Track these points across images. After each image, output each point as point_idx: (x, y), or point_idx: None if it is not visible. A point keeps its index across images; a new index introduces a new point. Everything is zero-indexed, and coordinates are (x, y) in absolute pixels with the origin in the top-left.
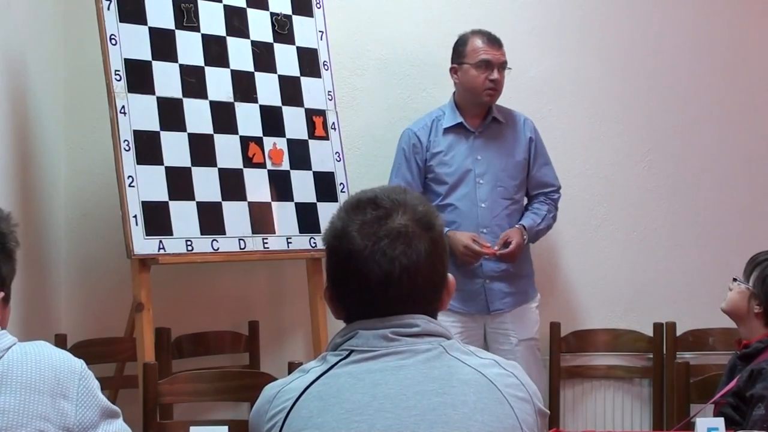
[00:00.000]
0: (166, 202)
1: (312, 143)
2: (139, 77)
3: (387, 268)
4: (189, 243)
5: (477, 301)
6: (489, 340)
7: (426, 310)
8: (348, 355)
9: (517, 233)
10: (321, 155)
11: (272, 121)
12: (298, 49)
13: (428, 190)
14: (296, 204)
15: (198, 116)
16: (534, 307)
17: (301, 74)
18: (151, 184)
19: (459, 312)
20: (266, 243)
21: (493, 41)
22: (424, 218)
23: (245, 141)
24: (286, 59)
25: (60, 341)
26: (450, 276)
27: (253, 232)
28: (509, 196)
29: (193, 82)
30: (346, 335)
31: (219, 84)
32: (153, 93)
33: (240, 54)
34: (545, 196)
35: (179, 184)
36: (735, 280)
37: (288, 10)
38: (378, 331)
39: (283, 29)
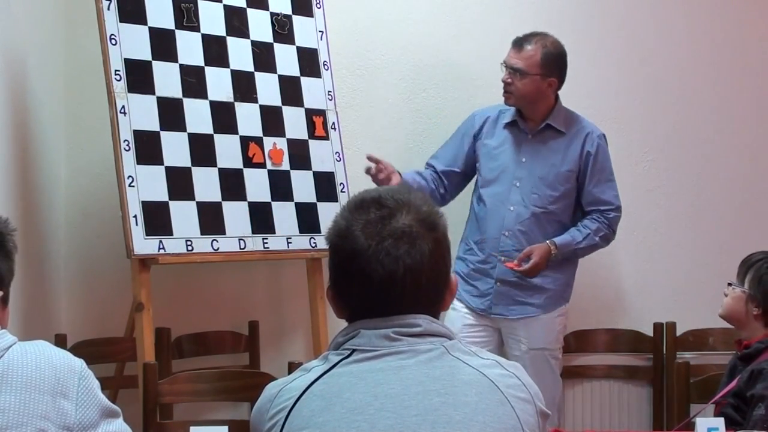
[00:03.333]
0: (166, 202)
1: (312, 143)
2: (139, 77)
3: (391, 267)
4: (189, 243)
5: (483, 300)
6: (504, 343)
7: (428, 310)
8: (350, 355)
9: (541, 250)
10: (321, 155)
11: (272, 121)
12: (298, 49)
13: (472, 174)
14: (296, 204)
15: (198, 116)
16: (553, 316)
17: (301, 74)
18: (151, 184)
19: (469, 307)
20: (266, 243)
21: (514, 43)
22: (427, 218)
23: (245, 141)
24: (286, 59)
25: (60, 341)
26: (453, 276)
27: (253, 232)
28: (543, 205)
29: (193, 82)
30: (348, 334)
31: (219, 84)
32: (153, 93)
33: (240, 54)
34: (600, 213)
35: (179, 184)
36: (730, 285)
37: (288, 10)
38: (380, 331)
39: (283, 29)
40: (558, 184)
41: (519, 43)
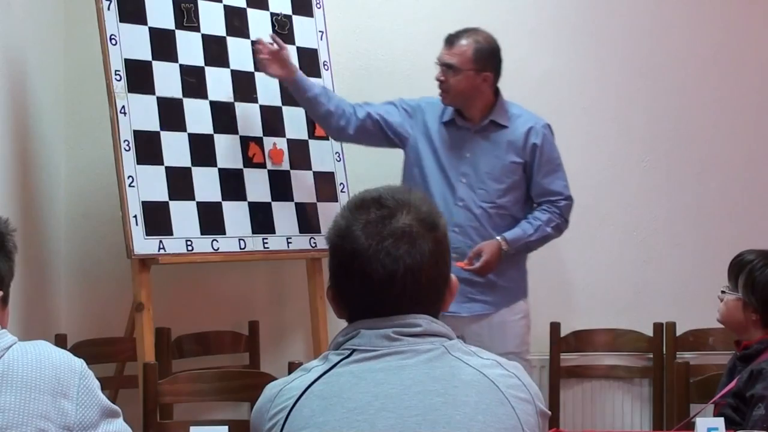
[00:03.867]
0: (166, 202)
1: (312, 143)
2: (139, 77)
3: (391, 267)
4: (189, 243)
5: None
6: None
7: (428, 310)
8: (350, 355)
9: (491, 247)
10: (321, 155)
11: (272, 121)
12: (299, 49)
13: (406, 164)
14: (296, 204)
15: (198, 116)
16: (516, 319)
17: None
18: (151, 184)
19: None
20: (266, 243)
21: (446, 40)
22: (428, 218)
23: (245, 141)
24: None
25: (60, 341)
26: (453, 276)
27: (253, 232)
28: (491, 200)
29: (193, 82)
30: (349, 334)
31: (219, 84)
32: (153, 93)
33: (240, 54)
34: (550, 204)
35: (179, 184)
36: (724, 291)
37: (288, 10)
38: (380, 331)
39: (283, 29)
40: (504, 177)
41: (450, 40)
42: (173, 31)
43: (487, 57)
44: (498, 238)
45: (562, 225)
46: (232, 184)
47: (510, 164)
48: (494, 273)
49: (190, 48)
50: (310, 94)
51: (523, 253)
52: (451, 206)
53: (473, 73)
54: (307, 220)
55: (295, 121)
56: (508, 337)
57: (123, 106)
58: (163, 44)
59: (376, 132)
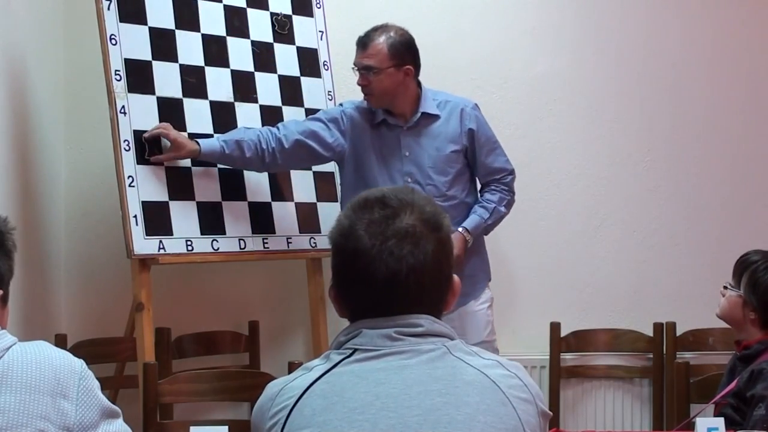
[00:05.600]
0: (166, 202)
1: None
2: (139, 77)
3: (394, 267)
4: (189, 243)
5: None
6: None
7: (431, 310)
8: (351, 354)
9: (458, 242)
10: None
11: (272, 121)
12: (298, 49)
13: (344, 173)
14: (296, 204)
15: (198, 116)
16: (484, 308)
17: (301, 74)
18: (151, 184)
19: None
20: (266, 243)
21: (357, 43)
22: (431, 219)
23: None
24: (286, 59)
25: (60, 341)
26: (455, 277)
27: (253, 232)
28: (441, 194)
29: (193, 82)
30: (350, 334)
31: (219, 84)
32: (153, 93)
33: (240, 54)
34: (497, 182)
35: (179, 184)
36: (726, 287)
37: (288, 10)
38: (382, 331)
39: (283, 29)
40: (448, 168)
41: (363, 42)
42: (173, 31)
43: (404, 50)
44: (460, 230)
45: (512, 200)
46: (232, 184)
47: (451, 154)
48: (461, 266)
49: (190, 48)
50: (220, 156)
51: (485, 235)
52: None
53: (394, 69)
54: (307, 220)
55: None
56: (480, 326)
57: (123, 106)
58: (163, 44)
59: (306, 156)
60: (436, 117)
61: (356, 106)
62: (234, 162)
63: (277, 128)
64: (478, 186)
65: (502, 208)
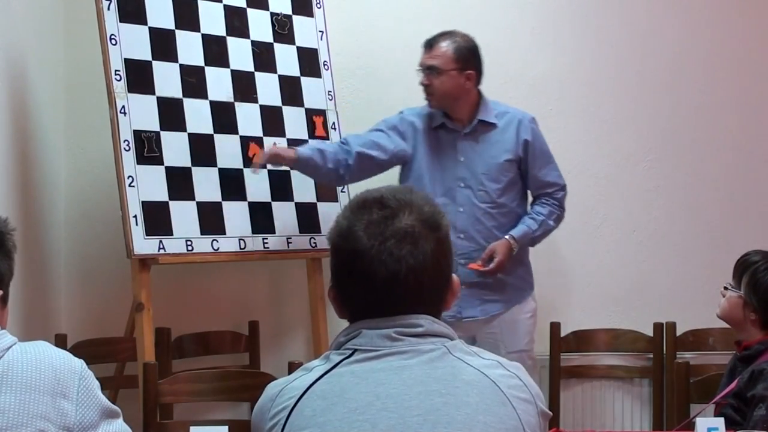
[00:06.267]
0: (166, 202)
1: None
2: (139, 77)
3: (394, 268)
4: (189, 243)
5: (451, 307)
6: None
7: (430, 310)
8: (351, 354)
9: (503, 247)
10: None
11: (272, 121)
12: (299, 49)
13: (403, 175)
14: (296, 204)
15: (198, 116)
16: (526, 317)
17: (302, 74)
18: (151, 184)
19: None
20: (266, 243)
21: (424, 45)
22: (430, 219)
23: (245, 141)
24: (287, 59)
25: (60, 341)
26: (455, 277)
27: (253, 232)
28: (491, 200)
29: (193, 82)
30: (350, 334)
31: (219, 84)
32: (153, 93)
33: (240, 54)
34: (548, 196)
35: (179, 184)
36: (726, 288)
37: (288, 10)
38: (382, 331)
39: (283, 29)
40: (501, 176)
41: (430, 44)
42: (173, 31)
43: (468, 55)
44: (507, 237)
45: (561, 215)
46: (232, 184)
47: (504, 162)
48: (503, 272)
49: (190, 48)
50: (307, 162)
51: (527, 246)
52: (453, 213)
53: (456, 72)
54: (307, 220)
55: (295, 121)
56: (520, 334)
57: (123, 106)
58: (163, 44)
59: (370, 165)
60: (493, 125)
61: (416, 113)
62: (318, 170)
63: (340, 144)
64: (530, 198)
65: (551, 222)
